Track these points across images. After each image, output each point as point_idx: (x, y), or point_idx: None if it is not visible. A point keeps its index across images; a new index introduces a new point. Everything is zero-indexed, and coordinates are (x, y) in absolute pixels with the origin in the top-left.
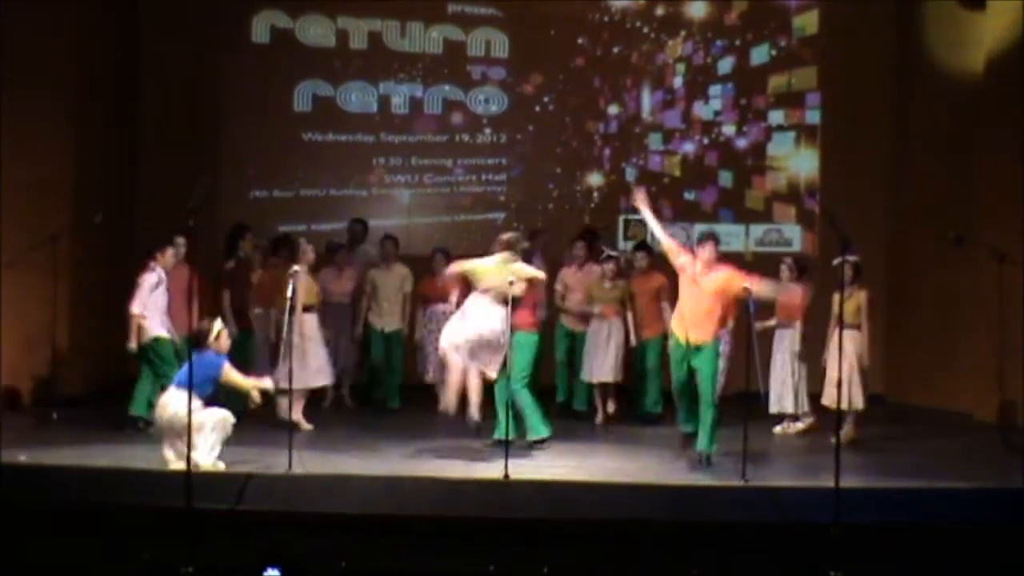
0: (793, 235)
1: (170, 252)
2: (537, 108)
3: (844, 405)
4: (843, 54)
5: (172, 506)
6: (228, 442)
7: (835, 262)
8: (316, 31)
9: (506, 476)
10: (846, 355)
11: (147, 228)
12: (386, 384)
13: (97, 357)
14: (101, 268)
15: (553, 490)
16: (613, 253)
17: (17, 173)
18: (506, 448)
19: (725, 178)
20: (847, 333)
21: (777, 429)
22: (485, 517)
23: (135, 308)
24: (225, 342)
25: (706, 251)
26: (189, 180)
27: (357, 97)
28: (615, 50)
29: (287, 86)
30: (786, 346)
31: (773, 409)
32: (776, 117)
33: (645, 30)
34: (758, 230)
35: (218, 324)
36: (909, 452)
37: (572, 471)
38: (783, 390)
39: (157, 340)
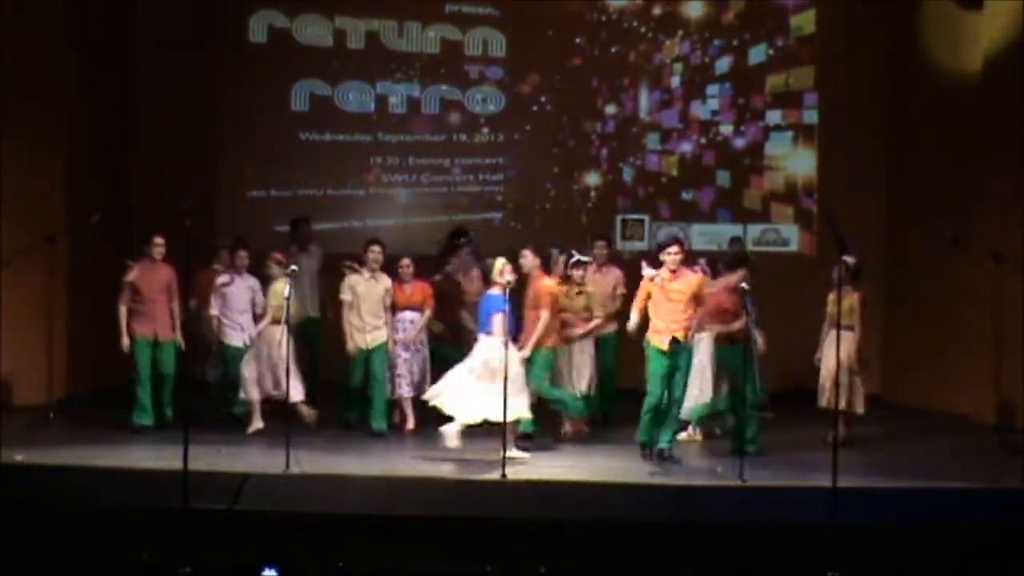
0: (791, 235)
1: (242, 254)
2: (534, 108)
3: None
4: (841, 54)
5: (170, 506)
6: (226, 441)
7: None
8: (313, 31)
9: (504, 476)
10: (846, 355)
11: (144, 228)
12: (370, 404)
13: (94, 357)
14: (98, 269)
15: (551, 490)
16: (584, 258)
17: (15, 174)
18: (504, 448)
19: (723, 178)
20: (843, 334)
21: (683, 435)
22: (483, 517)
23: (213, 310)
24: (509, 276)
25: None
26: (186, 180)
27: (354, 97)
28: (612, 50)
29: (284, 86)
30: (703, 350)
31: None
32: (774, 117)
33: (642, 30)
34: (755, 230)
35: (500, 260)
36: (907, 452)
37: (570, 471)
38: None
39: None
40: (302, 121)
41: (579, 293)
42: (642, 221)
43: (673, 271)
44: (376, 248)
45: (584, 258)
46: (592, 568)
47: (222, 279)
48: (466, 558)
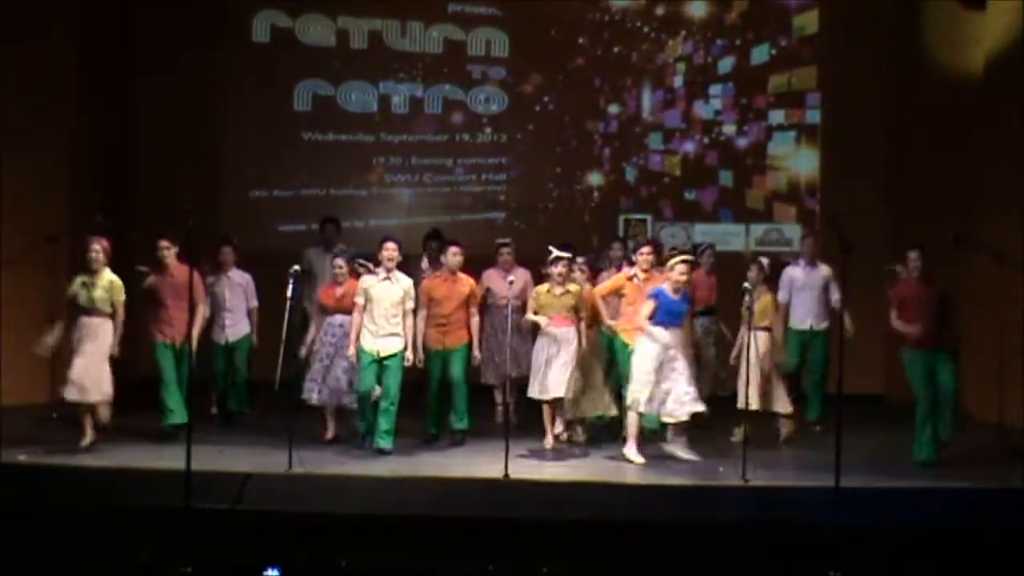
0: (793, 235)
1: (225, 250)
2: (537, 108)
3: (754, 404)
4: (843, 54)
5: (172, 506)
6: (228, 441)
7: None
8: (316, 30)
9: (506, 476)
10: (760, 356)
11: (146, 228)
12: (379, 417)
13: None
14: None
15: (553, 490)
16: (563, 254)
17: (15, 174)
18: (506, 448)
19: (725, 178)
20: (758, 335)
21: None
22: (485, 517)
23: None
24: (682, 276)
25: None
26: (189, 180)
27: (357, 97)
28: (615, 50)
29: (287, 85)
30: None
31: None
32: (776, 117)
33: (645, 30)
34: (758, 230)
35: (676, 259)
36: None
37: (572, 471)
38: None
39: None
40: (305, 121)
41: (564, 293)
42: (645, 221)
43: (646, 271)
44: (391, 246)
45: (563, 254)
46: (594, 568)
47: (209, 279)
48: (468, 558)
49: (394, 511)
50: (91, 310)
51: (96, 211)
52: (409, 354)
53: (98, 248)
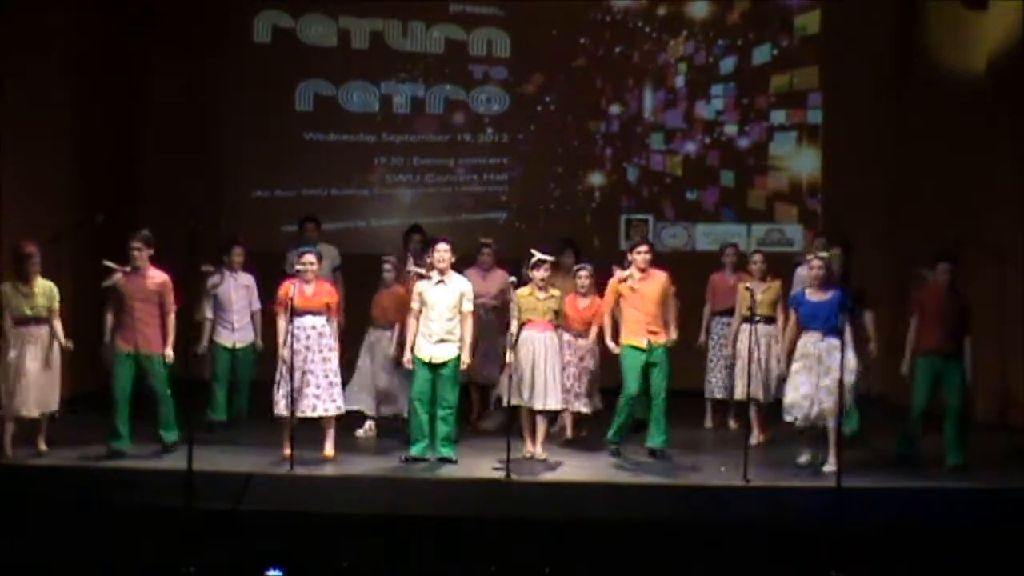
0: (795, 235)
1: (237, 250)
2: (539, 108)
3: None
4: (844, 54)
5: (172, 506)
6: (228, 442)
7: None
8: (318, 31)
9: (507, 476)
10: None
11: (148, 228)
12: (438, 425)
13: (96, 358)
14: (102, 270)
15: (553, 490)
16: (545, 257)
17: (18, 173)
18: (508, 448)
19: (727, 178)
20: (764, 327)
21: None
22: (485, 517)
23: (207, 313)
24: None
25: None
26: (190, 180)
27: (359, 97)
28: (617, 50)
29: (288, 86)
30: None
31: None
32: (778, 117)
33: (647, 30)
34: (760, 230)
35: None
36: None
37: (572, 471)
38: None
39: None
40: (306, 121)
41: (547, 297)
42: (646, 221)
43: (643, 270)
44: (442, 247)
45: (545, 257)
46: (594, 568)
47: (212, 280)
48: (469, 558)
49: (394, 511)
50: (35, 319)
51: (96, 211)
52: (466, 357)
53: (36, 254)
